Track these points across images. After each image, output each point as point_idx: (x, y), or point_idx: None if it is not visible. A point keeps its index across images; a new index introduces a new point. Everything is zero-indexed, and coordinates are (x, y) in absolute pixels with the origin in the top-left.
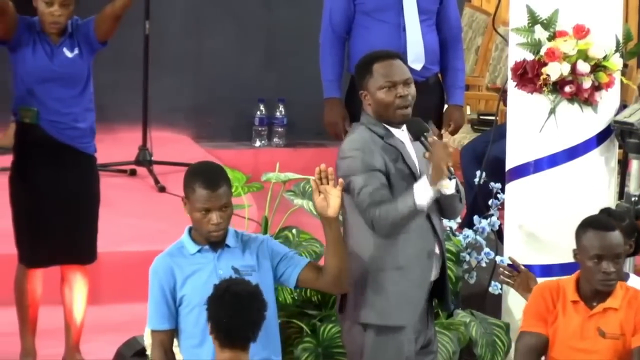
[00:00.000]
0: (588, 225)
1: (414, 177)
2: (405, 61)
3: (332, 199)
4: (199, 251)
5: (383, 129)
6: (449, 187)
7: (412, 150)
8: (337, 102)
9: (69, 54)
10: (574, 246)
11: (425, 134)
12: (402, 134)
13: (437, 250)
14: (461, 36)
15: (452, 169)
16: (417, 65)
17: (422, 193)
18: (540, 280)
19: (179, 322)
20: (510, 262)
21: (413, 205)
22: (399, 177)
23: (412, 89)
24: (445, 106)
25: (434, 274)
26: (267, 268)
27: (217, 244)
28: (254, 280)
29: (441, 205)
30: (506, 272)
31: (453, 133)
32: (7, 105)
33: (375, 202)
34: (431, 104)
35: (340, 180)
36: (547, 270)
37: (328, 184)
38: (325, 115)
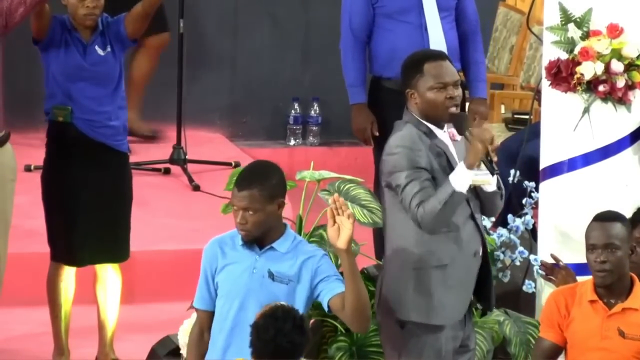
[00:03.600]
0: (593, 218)
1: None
2: (452, 62)
3: (344, 230)
4: (245, 244)
5: (427, 129)
6: (491, 183)
7: (454, 150)
8: (364, 107)
9: (101, 52)
10: None
11: (470, 129)
12: (444, 135)
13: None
14: (479, 28)
15: (494, 164)
16: None
17: (460, 178)
18: (578, 278)
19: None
20: (553, 260)
21: (452, 192)
22: (442, 176)
23: (460, 90)
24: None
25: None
26: (307, 284)
27: (260, 242)
28: (287, 290)
29: (482, 201)
30: (547, 269)
31: (479, 127)
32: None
33: (419, 199)
34: None
35: (350, 211)
36: (581, 268)
37: (343, 214)
38: (353, 121)
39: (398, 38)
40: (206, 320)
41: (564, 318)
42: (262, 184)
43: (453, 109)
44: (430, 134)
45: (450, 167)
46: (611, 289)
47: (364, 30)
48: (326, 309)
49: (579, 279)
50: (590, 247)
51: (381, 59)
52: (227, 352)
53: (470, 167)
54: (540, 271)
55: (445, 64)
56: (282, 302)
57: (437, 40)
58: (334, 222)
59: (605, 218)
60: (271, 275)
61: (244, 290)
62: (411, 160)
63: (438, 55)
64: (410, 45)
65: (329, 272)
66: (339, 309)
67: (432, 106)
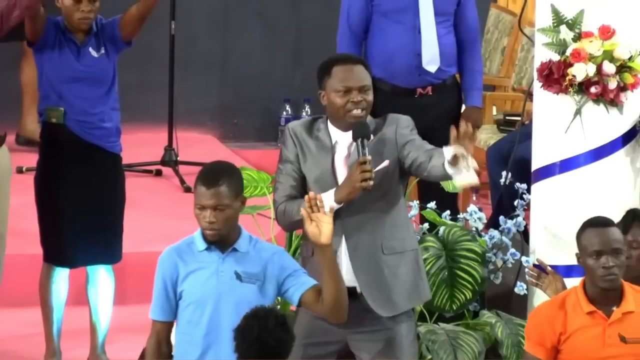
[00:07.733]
0: (586, 225)
1: (335, 179)
2: (367, 67)
3: (324, 226)
4: (206, 249)
5: (324, 125)
6: (475, 180)
7: (343, 153)
8: None
9: (95, 54)
10: None
11: (364, 139)
12: (343, 136)
13: (343, 252)
14: (479, 37)
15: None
16: (432, 68)
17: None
18: (566, 280)
19: (177, 315)
20: (538, 264)
21: None
22: (319, 172)
23: (369, 96)
24: (463, 107)
25: (346, 279)
26: (273, 281)
27: (222, 244)
28: (256, 289)
29: (427, 175)
30: (534, 274)
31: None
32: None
33: (283, 198)
34: (449, 104)
35: (332, 206)
36: (572, 270)
37: (319, 211)
38: None
39: (391, 38)
40: (165, 331)
41: (559, 334)
42: (229, 180)
43: (357, 112)
44: (323, 132)
45: (332, 167)
46: (606, 296)
47: (361, 26)
48: (295, 303)
49: (569, 281)
50: (595, 254)
51: (375, 58)
52: (205, 358)
53: (338, 202)
54: (527, 277)
55: (356, 69)
56: (262, 304)
57: (430, 43)
58: (311, 220)
59: (604, 223)
60: (239, 277)
61: (215, 294)
62: (283, 152)
63: (350, 60)
64: (402, 46)
65: (294, 267)
66: (313, 301)
67: (335, 109)
